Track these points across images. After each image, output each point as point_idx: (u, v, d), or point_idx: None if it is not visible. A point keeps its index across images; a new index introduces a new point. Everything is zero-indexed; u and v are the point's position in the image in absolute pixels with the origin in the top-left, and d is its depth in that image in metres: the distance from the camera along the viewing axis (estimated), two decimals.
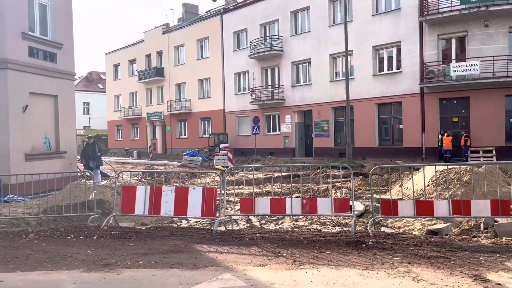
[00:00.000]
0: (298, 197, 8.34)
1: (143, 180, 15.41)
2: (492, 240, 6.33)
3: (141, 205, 7.62)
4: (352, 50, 24.60)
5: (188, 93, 37.38)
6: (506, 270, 4.75)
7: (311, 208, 7.14)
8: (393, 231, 7.39)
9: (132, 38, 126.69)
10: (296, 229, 7.85)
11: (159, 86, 40.46)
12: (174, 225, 8.52)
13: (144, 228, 7.96)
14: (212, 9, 39.67)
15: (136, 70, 42.52)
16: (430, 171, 10.06)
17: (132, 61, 43.97)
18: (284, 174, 14.49)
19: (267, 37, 30.24)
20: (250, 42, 30.72)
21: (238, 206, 9.17)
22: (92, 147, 14.70)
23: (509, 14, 20.16)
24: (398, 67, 23.74)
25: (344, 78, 22.87)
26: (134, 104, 43.81)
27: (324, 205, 7.13)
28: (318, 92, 27.25)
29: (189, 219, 8.84)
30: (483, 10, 20.03)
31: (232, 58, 33.01)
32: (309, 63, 28.01)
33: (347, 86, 22.20)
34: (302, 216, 8.60)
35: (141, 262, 5.49)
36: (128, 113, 43.47)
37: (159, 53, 40.39)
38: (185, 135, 38.52)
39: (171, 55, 38.73)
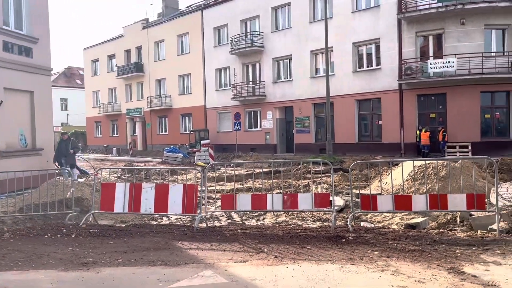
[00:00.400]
0: (279, 193, 8.36)
1: (122, 177, 15.20)
2: (468, 233, 6.47)
3: (120, 203, 7.53)
4: (332, 47, 24.75)
5: (169, 89, 37.03)
6: (481, 263, 4.87)
7: (292, 203, 7.17)
8: (373, 225, 7.49)
9: (111, 33, 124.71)
10: (277, 225, 7.88)
11: (139, 82, 39.96)
12: (155, 223, 8.45)
13: (123, 225, 7.86)
14: (192, 4, 39.30)
15: (115, 65, 41.89)
16: (408, 166, 10.23)
17: (111, 57, 43.27)
18: (265, 170, 14.54)
19: (248, 33, 30.16)
20: (231, 38, 30.60)
21: (219, 203, 9.15)
22: (65, 144, 14.03)
23: (485, 12, 20.61)
24: (378, 63, 24.01)
25: (325, 74, 23.01)
26: (113, 100, 43.16)
27: (304, 201, 7.16)
28: (299, 89, 27.37)
29: (170, 216, 8.79)
30: (460, 8, 20.42)
31: (213, 53, 32.82)
32: (290, 59, 28.08)
33: (327, 82, 22.34)
34: (283, 212, 8.64)
35: (120, 260, 5.42)
36: (107, 109, 42.82)
37: (139, 49, 39.86)
38: (165, 131, 38.17)
39: (151, 51, 38.27)
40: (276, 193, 8.50)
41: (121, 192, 7.56)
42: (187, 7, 39.78)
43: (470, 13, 20.73)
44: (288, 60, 28.39)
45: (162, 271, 4.91)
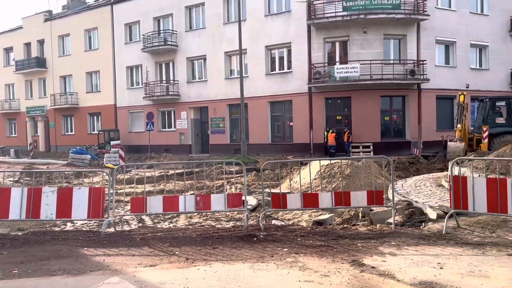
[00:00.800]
0: (193, 194, 8.28)
1: (21, 181, 13.97)
2: (368, 227, 6.97)
3: (16, 209, 6.88)
4: (246, 49, 25.10)
5: (75, 87, 34.80)
6: (379, 254, 5.26)
7: (204, 204, 7.14)
8: (283, 223, 7.74)
9: (7, 24, 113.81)
10: (190, 227, 7.81)
11: (40, 78, 36.98)
12: (57, 229, 7.89)
13: (20, 233, 7.21)
14: None
15: (13, 59, 38.35)
16: (316, 165, 10.75)
17: (8, 50, 39.56)
18: (178, 171, 14.31)
19: (161, 31, 29.46)
20: (143, 35, 29.62)
21: (129, 206, 8.82)
22: None
23: (384, 22, 22.41)
24: (289, 67, 24.88)
25: (239, 76, 23.30)
26: (11, 97, 39.52)
27: (217, 201, 7.17)
28: (214, 89, 27.38)
29: (75, 221, 8.26)
30: (362, 18, 21.96)
31: (124, 51, 31.53)
32: (205, 59, 27.98)
33: (241, 84, 22.65)
34: (197, 213, 8.59)
35: (15, 271, 4.96)
36: (4, 107, 39.08)
37: (41, 42, 36.92)
38: (71, 131, 35.84)
39: (54, 45, 35.63)
40: (190, 194, 8.41)
41: (17, 197, 6.92)
42: (96, 0, 37.73)
43: (371, 23, 22.40)
44: (202, 60, 28.26)
45: (64, 281, 4.59)
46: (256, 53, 25.55)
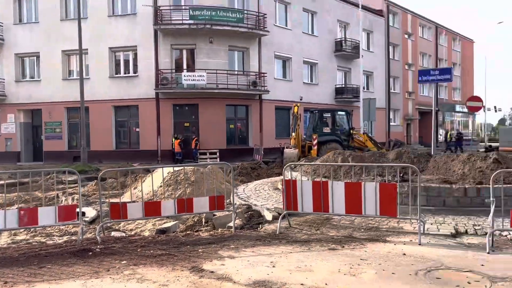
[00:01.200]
0: (16, 208, 7.29)
1: None
2: (211, 232, 7.11)
3: None
4: (87, 49, 23.44)
5: None
6: (219, 258, 5.40)
7: (30, 219, 6.35)
8: (123, 234, 7.38)
9: None
10: (13, 245, 6.86)
11: None
12: None
13: None
14: None
15: None
16: (162, 173, 10.57)
17: None
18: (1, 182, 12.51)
19: None
20: None
21: None
22: None
23: (229, 34, 23.45)
24: (135, 71, 24.09)
25: (79, 77, 21.57)
26: None
27: (47, 215, 6.44)
28: (49, 90, 24.82)
29: None
30: (208, 28, 22.59)
31: None
32: (38, 57, 25.22)
33: (81, 86, 20.99)
34: (23, 230, 7.61)
35: None
36: None
37: None
38: None
39: None
40: (15, 208, 7.40)
41: None
42: None
43: (217, 34, 23.20)
44: (35, 58, 25.42)
45: None
46: (98, 54, 24.06)
